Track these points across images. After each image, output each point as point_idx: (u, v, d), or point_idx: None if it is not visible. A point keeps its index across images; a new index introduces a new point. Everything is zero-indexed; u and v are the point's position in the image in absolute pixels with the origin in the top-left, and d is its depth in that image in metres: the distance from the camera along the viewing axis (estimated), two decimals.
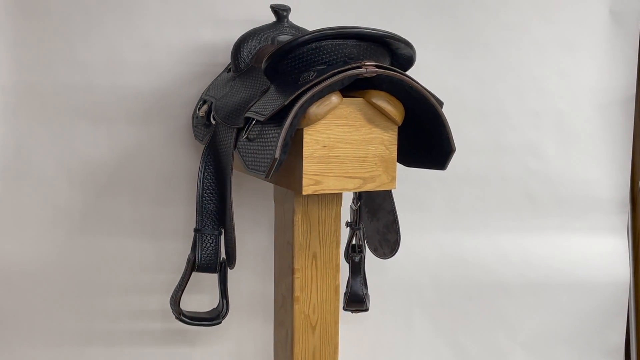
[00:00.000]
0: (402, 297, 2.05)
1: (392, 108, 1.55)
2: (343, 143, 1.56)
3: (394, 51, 1.60)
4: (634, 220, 2.08)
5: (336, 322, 1.67)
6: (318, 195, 1.61)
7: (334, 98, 1.54)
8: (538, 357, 2.06)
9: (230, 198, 1.68)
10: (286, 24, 1.83)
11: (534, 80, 2.01)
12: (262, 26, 1.85)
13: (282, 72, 1.61)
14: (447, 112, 2.00)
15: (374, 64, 1.51)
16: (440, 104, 1.58)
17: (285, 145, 1.50)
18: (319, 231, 1.63)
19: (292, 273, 1.64)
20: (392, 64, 1.62)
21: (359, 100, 1.56)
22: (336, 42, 1.55)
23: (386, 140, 1.57)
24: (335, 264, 1.64)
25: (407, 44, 1.58)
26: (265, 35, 1.82)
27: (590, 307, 2.05)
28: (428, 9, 1.98)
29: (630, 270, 2.05)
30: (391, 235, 1.77)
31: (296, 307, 1.65)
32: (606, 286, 2.04)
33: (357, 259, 1.75)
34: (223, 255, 1.73)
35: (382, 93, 1.55)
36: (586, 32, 2.00)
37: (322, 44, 1.56)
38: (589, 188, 2.04)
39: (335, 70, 1.51)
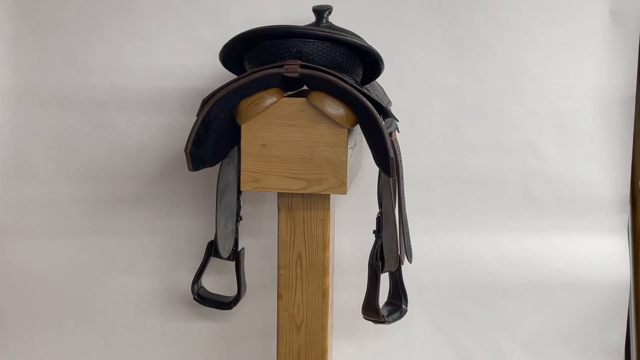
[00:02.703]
0: None
1: (332, 110, 1.52)
2: (285, 142, 1.55)
3: (366, 55, 1.57)
4: (634, 220, 2.07)
5: (324, 326, 1.65)
6: (303, 195, 1.60)
7: (265, 96, 1.53)
8: (538, 357, 2.06)
9: (217, 190, 1.73)
10: (323, 25, 1.81)
11: (534, 80, 2.01)
12: None
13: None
14: (447, 112, 2.01)
15: (298, 63, 1.51)
16: (379, 107, 1.54)
17: (198, 139, 1.53)
18: (304, 232, 1.62)
19: (277, 269, 1.64)
20: (367, 69, 1.60)
21: (301, 100, 1.54)
22: (285, 41, 1.55)
23: (333, 143, 1.54)
24: (322, 267, 1.63)
25: (323, 38, 1.54)
26: None
27: (590, 307, 2.05)
28: (428, 8, 1.97)
29: (630, 270, 2.05)
30: (393, 245, 1.74)
31: (279, 304, 1.66)
32: (606, 286, 2.04)
33: (374, 268, 1.70)
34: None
35: (321, 94, 1.53)
36: (586, 32, 1.99)
37: (267, 43, 1.56)
38: (589, 188, 2.03)
39: (255, 70, 1.53)
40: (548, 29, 1.99)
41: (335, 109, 1.52)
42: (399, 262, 1.75)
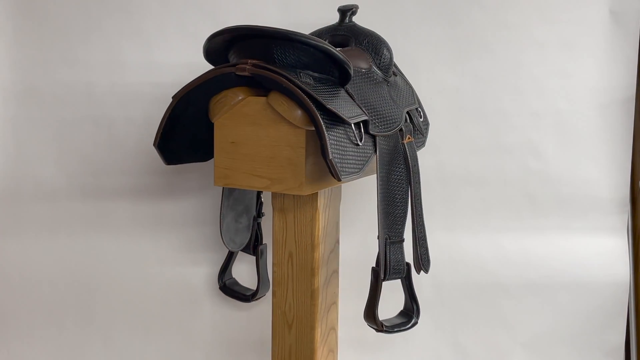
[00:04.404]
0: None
1: (287, 110, 1.52)
2: (251, 141, 1.56)
3: (330, 55, 1.56)
4: (634, 220, 2.08)
5: (312, 328, 1.65)
6: (294, 195, 1.61)
7: (229, 95, 1.55)
8: (538, 357, 2.06)
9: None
10: (344, 25, 1.80)
11: (534, 80, 2.01)
12: (322, 28, 1.83)
13: None
14: (447, 112, 2.01)
15: (251, 63, 1.51)
16: (322, 108, 1.50)
17: (165, 134, 1.57)
18: (295, 231, 1.63)
19: (272, 267, 1.67)
20: (342, 70, 1.58)
21: (263, 100, 1.54)
22: (256, 41, 1.55)
23: (293, 143, 1.54)
24: (311, 268, 1.63)
25: (287, 38, 1.52)
26: (323, 38, 1.80)
27: (590, 307, 2.05)
28: (428, 8, 1.98)
29: (630, 270, 2.05)
30: (380, 255, 1.65)
31: (273, 300, 1.68)
32: (606, 286, 2.04)
33: (375, 273, 1.63)
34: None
35: (277, 95, 1.52)
36: (586, 32, 2.00)
37: (241, 43, 1.57)
38: (589, 188, 2.04)
39: (211, 69, 1.54)
40: (548, 29, 2.00)
41: (288, 109, 1.52)
42: (407, 270, 1.67)
